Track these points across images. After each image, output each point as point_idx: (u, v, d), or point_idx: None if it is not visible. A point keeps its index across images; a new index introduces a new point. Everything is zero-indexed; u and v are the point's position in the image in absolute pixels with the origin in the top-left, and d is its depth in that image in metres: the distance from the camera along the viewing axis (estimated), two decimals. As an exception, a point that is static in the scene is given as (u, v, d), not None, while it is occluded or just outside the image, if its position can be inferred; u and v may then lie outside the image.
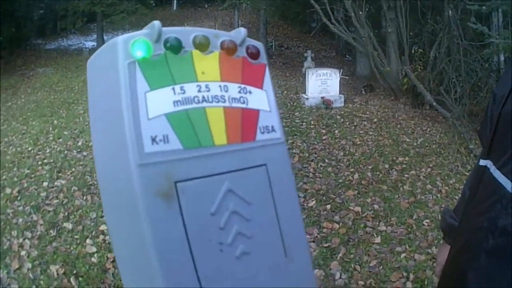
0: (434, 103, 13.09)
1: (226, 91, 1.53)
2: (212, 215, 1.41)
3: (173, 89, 1.42)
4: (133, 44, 1.41)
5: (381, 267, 5.17)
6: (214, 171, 1.44)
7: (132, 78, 1.38)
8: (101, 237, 5.75)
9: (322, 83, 14.18)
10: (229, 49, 1.57)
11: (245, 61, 1.62)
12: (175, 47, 1.46)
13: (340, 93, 14.45)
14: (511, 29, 10.92)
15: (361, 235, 5.90)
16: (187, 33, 1.52)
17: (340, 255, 5.41)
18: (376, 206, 6.78)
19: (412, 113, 13.35)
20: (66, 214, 6.50)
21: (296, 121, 12.00)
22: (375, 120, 12.27)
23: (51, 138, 10.97)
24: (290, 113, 12.94)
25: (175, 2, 40.42)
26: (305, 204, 6.84)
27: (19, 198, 7.30)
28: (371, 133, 10.98)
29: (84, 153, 9.51)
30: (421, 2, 15.86)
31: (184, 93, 1.43)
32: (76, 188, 7.41)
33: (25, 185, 7.89)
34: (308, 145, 9.92)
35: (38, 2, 32.48)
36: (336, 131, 11.05)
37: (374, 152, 9.52)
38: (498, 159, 1.39)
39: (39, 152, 9.86)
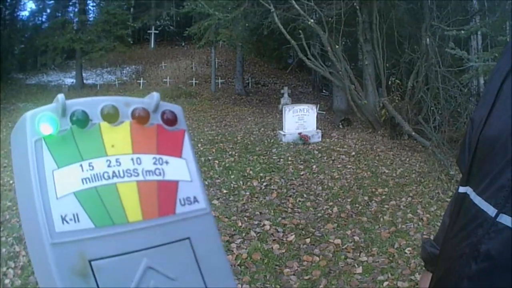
0: (413, 133, 13.11)
1: (139, 164, 1.37)
2: None
3: (81, 165, 1.28)
4: (38, 121, 1.29)
5: (363, 296, 5.04)
6: (130, 249, 1.29)
7: (39, 156, 1.25)
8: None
9: (299, 119, 14.18)
10: (140, 118, 1.42)
11: (160, 128, 1.46)
12: (81, 121, 1.32)
13: (317, 128, 14.45)
14: (491, 50, 11.00)
15: (342, 267, 5.78)
16: (94, 104, 1.36)
17: (321, 286, 5.30)
18: (356, 238, 6.67)
19: (391, 144, 13.35)
20: (48, 246, 6.36)
21: (274, 157, 11.94)
22: (353, 153, 12.23)
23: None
24: (268, 150, 12.89)
25: (152, 40, 40.66)
26: (284, 239, 6.73)
27: (1, 229, 7.27)
28: (349, 166, 10.94)
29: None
30: (398, 32, 15.99)
31: (92, 169, 1.29)
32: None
33: (7, 217, 7.86)
34: (286, 181, 9.84)
35: (20, 36, 32.77)
36: (314, 166, 10.97)
37: (353, 185, 9.44)
38: (478, 185, 1.34)
39: None
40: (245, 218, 7.55)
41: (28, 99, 26.39)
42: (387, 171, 10.50)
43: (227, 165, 11.05)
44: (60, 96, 1.29)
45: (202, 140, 14.38)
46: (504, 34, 11.12)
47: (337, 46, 15.74)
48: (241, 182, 9.63)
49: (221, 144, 13.62)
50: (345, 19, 15.92)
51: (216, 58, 30.15)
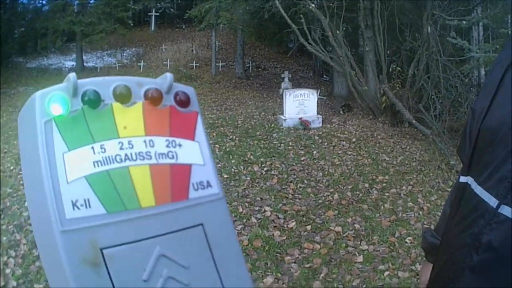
0: (413, 121, 13.08)
1: (152, 146, 1.36)
2: (145, 282, 1.27)
3: (93, 148, 1.27)
4: (48, 101, 1.27)
5: (364, 286, 5.08)
6: (142, 236, 1.26)
7: (49, 138, 1.24)
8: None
9: (300, 104, 14.14)
10: (154, 99, 1.41)
11: (173, 110, 1.44)
12: (93, 101, 1.28)
13: (317, 113, 14.41)
14: (492, 42, 10.97)
15: (342, 255, 5.79)
16: (107, 84, 1.35)
17: (323, 275, 5.30)
18: (357, 226, 6.68)
19: (391, 131, 13.33)
20: (50, 234, 6.36)
21: (274, 142, 11.92)
22: (354, 139, 12.21)
23: (33, 157, 10.77)
24: (268, 134, 12.85)
25: (153, 23, 40.42)
26: (285, 225, 6.73)
27: (2, 216, 7.22)
28: (349, 153, 10.92)
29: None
30: (399, 20, 15.93)
31: (104, 151, 1.27)
32: (60, 208, 7.26)
33: (8, 204, 7.80)
34: (286, 166, 9.82)
35: (20, 20, 32.60)
36: (315, 152, 10.96)
37: (354, 171, 9.43)
38: (479, 175, 1.36)
39: (21, 172, 9.61)
40: (246, 204, 7.56)
41: (29, 82, 26.32)
42: (387, 158, 10.50)
43: (227, 149, 11.04)
44: (72, 75, 1.29)
45: (202, 124, 14.33)
46: (505, 27, 11.09)
47: (338, 32, 15.71)
48: (241, 167, 9.63)
49: (221, 128, 13.58)
50: (346, 4, 15.90)
51: (217, 41, 29.99)
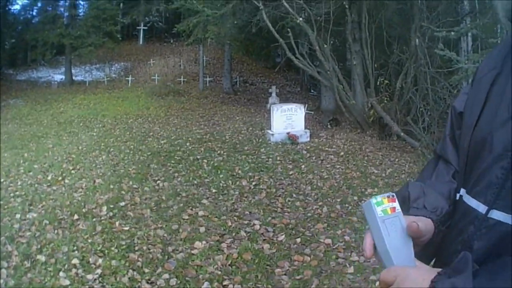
0: (402, 134, 13.12)
1: None
2: None
3: None
4: None
5: (355, 296, 5.02)
6: None
7: None
8: (74, 270, 5.61)
9: (287, 119, 14.17)
10: None
11: None
12: None
13: (305, 128, 14.44)
14: (481, 52, 11.01)
15: (333, 266, 5.76)
16: None
17: (313, 286, 5.27)
18: (347, 238, 6.64)
19: (380, 144, 13.36)
20: (39, 246, 6.36)
21: (262, 157, 11.92)
22: (342, 153, 12.22)
23: (22, 170, 10.88)
24: (256, 149, 12.87)
25: (141, 37, 40.63)
26: (275, 238, 6.69)
27: None
28: (338, 166, 10.92)
29: (54, 188, 9.37)
30: (387, 33, 16.01)
31: None
32: (47, 222, 7.26)
33: (-1, 215, 7.80)
34: (275, 180, 9.81)
35: (11, 31, 32.68)
36: (303, 166, 10.96)
37: (342, 185, 9.42)
38: (469, 184, 1.37)
39: (11, 184, 9.72)
40: (235, 218, 7.51)
41: (18, 95, 26.54)
42: (376, 171, 10.50)
43: (215, 164, 11.01)
44: None
45: (190, 139, 14.35)
46: (495, 37, 11.13)
47: (325, 46, 15.75)
48: (230, 182, 9.59)
49: (209, 143, 13.60)
50: (334, 18, 15.97)
51: (204, 56, 30.12)
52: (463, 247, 1.30)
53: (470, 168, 1.38)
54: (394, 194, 1.27)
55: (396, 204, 1.25)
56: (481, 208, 1.27)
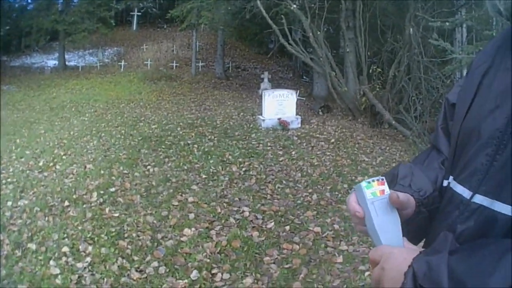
0: (393, 122, 13.13)
1: None
2: None
3: None
4: None
5: (345, 286, 5.07)
6: None
7: None
8: (64, 258, 5.64)
9: (279, 104, 14.14)
10: None
11: None
12: None
13: (296, 114, 14.42)
14: (476, 44, 11.01)
15: (322, 255, 5.77)
16: None
17: (302, 275, 5.29)
18: (336, 226, 6.65)
19: (371, 132, 13.37)
20: (30, 234, 6.39)
21: (253, 142, 11.91)
22: (333, 140, 12.22)
23: (14, 157, 10.88)
24: (247, 135, 12.86)
25: (135, 22, 40.43)
26: (264, 226, 6.71)
27: None
28: (328, 153, 10.92)
29: (45, 174, 9.39)
30: (381, 21, 15.99)
31: None
32: (38, 209, 7.28)
33: (-11, 205, 7.79)
34: (265, 166, 9.81)
35: (6, 18, 32.55)
36: (293, 152, 10.96)
37: (332, 172, 9.42)
38: (454, 171, 1.42)
39: (3, 171, 9.70)
40: (224, 204, 7.53)
41: (12, 81, 26.46)
42: (366, 159, 10.51)
43: (206, 149, 11.00)
44: None
45: (181, 124, 14.33)
46: (490, 29, 11.08)
47: (318, 33, 15.72)
48: (220, 167, 9.60)
49: (200, 128, 13.57)
50: (328, 5, 15.93)
51: (198, 42, 30.00)
52: (448, 231, 1.32)
53: (458, 156, 1.42)
54: (383, 177, 1.34)
55: (385, 187, 1.32)
56: (466, 193, 1.31)
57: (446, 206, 1.41)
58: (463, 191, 1.33)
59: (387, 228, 1.31)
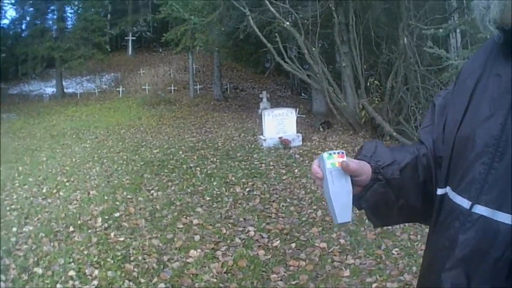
0: (394, 133, 13.12)
1: None
2: None
3: None
4: None
5: (352, 299, 5.02)
6: None
7: None
8: (70, 282, 5.63)
9: (279, 123, 14.16)
10: None
11: None
12: None
13: (297, 132, 14.43)
14: (471, 48, 11.04)
15: (329, 270, 5.75)
16: None
17: (310, 291, 5.24)
18: (342, 241, 6.63)
19: (372, 146, 13.32)
20: (36, 259, 6.37)
21: (255, 163, 11.91)
22: (335, 156, 12.16)
23: (17, 184, 10.88)
24: (249, 155, 12.86)
25: (130, 47, 40.55)
26: (270, 244, 6.69)
27: None
28: (331, 169, 10.88)
29: (49, 200, 9.38)
30: (375, 33, 16.03)
31: None
32: (43, 235, 7.27)
33: (-4, 230, 7.81)
34: (268, 186, 9.81)
35: (0, 46, 32.69)
36: (296, 170, 10.95)
37: (336, 188, 9.39)
38: (453, 181, 1.43)
39: (7, 198, 9.71)
40: (229, 225, 7.51)
41: (11, 109, 26.57)
42: (370, 172, 10.48)
43: (209, 172, 11.01)
44: None
45: (183, 147, 14.34)
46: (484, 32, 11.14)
47: (313, 49, 15.77)
48: (223, 189, 9.59)
49: (202, 151, 13.59)
50: (321, 20, 15.96)
51: (194, 64, 30.10)
52: (449, 242, 1.36)
53: (454, 166, 1.43)
54: (344, 151, 1.52)
55: (344, 160, 1.50)
56: (466, 203, 1.33)
57: (446, 217, 1.43)
58: (462, 201, 1.35)
59: (340, 196, 1.50)
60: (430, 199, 1.56)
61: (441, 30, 10.97)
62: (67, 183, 10.53)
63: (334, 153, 1.52)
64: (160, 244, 6.70)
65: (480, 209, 1.28)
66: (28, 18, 36.63)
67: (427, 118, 1.70)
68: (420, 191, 1.59)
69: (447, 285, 1.35)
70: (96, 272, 5.82)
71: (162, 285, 5.46)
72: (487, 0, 1.32)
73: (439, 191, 1.50)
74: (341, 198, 1.50)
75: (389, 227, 6.96)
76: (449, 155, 1.45)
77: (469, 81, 1.45)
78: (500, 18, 1.30)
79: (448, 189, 1.45)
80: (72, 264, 6.12)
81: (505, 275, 1.23)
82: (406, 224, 7.00)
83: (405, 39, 13.68)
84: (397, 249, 6.20)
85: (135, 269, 5.88)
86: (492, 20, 1.32)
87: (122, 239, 6.93)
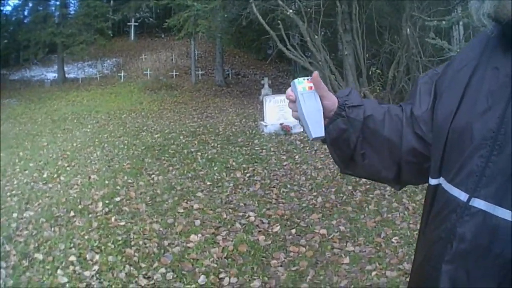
0: (395, 122, 13.09)
1: None
2: None
3: None
4: None
5: (352, 286, 5.07)
6: None
7: None
8: (71, 267, 5.64)
9: (280, 110, 14.16)
10: None
11: None
12: None
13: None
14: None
15: (329, 257, 5.76)
16: None
17: (309, 277, 5.28)
18: (342, 228, 6.64)
19: (373, 133, 13.34)
20: (37, 245, 6.40)
21: (256, 148, 11.93)
22: (336, 143, 12.17)
23: (17, 169, 10.93)
24: (250, 141, 12.88)
25: (132, 32, 40.53)
26: (270, 230, 6.70)
27: None
28: (332, 156, 10.89)
29: (50, 185, 9.42)
30: (378, 22, 15.97)
31: None
32: (44, 220, 7.29)
33: (-4, 216, 7.83)
34: (269, 171, 9.82)
35: (3, 31, 32.65)
36: (297, 157, 10.97)
37: (337, 175, 9.39)
38: (448, 173, 1.42)
39: (7, 184, 9.76)
40: (230, 210, 7.53)
41: (12, 95, 26.61)
42: (370, 159, 10.48)
43: (209, 157, 11.04)
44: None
45: (184, 132, 14.37)
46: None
47: (316, 37, 15.70)
48: (224, 174, 9.61)
49: (203, 136, 13.62)
50: (324, 9, 15.88)
51: (196, 50, 30.10)
52: (446, 234, 1.36)
53: (449, 157, 1.43)
54: (311, 78, 1.68)
55: (313, 85, 1.67)
56: (463, 196, 1.32)
57: (441, 209, 1.42)
58: (459, 194, 1.34)
59: (312, 114, 1.66)
60: (395, 162, 1.66)
61: (444, 22, 10.91)
62: (67, 168, 10.56)
63: (304, 79, 1.69)
64: (161, 229, 6.72)
65: (479, 203, 1.28)
66: (30, 4, 36.63)
67: (410, 95, 1.74)
68: (385, 147, 1.66)
69: (445, 280, 1.35)
70: (97, 257, 5.83)
71: (163, 269, 5.47)
72: None
73: (432, 181, 1.51)
74: (313, 116, 1.66)
75: (389, 215, 7.01)
76: (443, 147, 1.45)
77: (463, 72, 1.45)
78: (495, 12, 1.30)
79: (442, 180, 1.45)
80: (73, 249, 6.14)
81: (504, 272, 1.23)
82: (406, 213, 7.04)
83: (408, 29, 13.63)
84: (396, 237, 6.19)
85: (136, 254, 5.90)
86: (486, 14, 1.32)
87: (122, 223, 6.95)
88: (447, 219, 1.37)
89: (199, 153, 11.37)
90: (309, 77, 1.69)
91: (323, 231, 6.56)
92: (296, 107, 1.72)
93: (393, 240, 6.13)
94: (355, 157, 1.70)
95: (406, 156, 1.63)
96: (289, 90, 1.74)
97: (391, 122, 1.66)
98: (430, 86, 1.63)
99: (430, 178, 1.53)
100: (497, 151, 1.26)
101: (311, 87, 1.66)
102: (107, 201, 7.96)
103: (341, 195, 8.15)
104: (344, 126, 1.65)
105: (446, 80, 1.52)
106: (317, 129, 1.66)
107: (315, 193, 8.31)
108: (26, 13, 37.58)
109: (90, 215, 7.36)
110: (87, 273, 5.44)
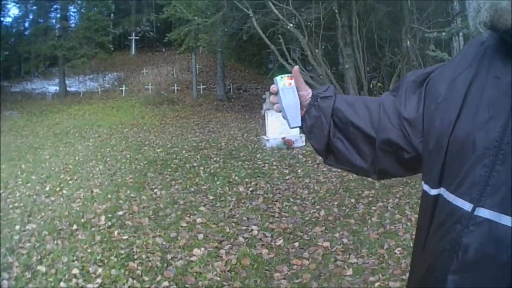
0: (397, 135, 13.09)
1: None
2: None
3: None
4: None
5: (355, 298, 5.03)
6: None
7: None
8: (74, 280, 5.63)
9: (282, 124, 14.12)
10: None
11: None
12: None
13: (300, 132, 14.40)
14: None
15: (332, 269, 5.75)
16: None
17: (313, 289, 5.25)
18: (345, 240, 6.63)
19: (375, 147, 13.33)
20: (39, 257, 6.38)
21: (258, 163, 11.94)
22: (338, 156, 12.17)
23: (20, 182, 10.89)
24: (252, 155, 12.90)
25: (133, 46, 40.60)
26: (273, 243, 6.69)
27: None
28: (334, 170, 10.83)
29: (52, 198, 9.39)
30: (378, 35, 16.01)
31: None
32: (47, 233, 7.28)
33: (-1, 227, 7.84)
34: (271, 185, 9.82)
35: (4, 43, 32.70)
36: (299, 170, 10.97)
37: (339, 188, 9.41)
38: (451, 184, 1.40)
39: (10, 196, 9.74)
40: (233, 224, 7.52)
41: (14, 107, 26.61)
42: (373, 173, 10.47)
43: (212, 171, 11.04)
44: None
45: (186, 146, 14.38)
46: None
47: (317, 50, 15.74)
48: (227, 188, 9.61)
49: (205, 151, 13.62)
50: (324, 22, 15.92)
51: (197, 64, 30.16)
52: (451, 245, 1.35)
53: (450, 168, 1.42)
54: (291, 74, 1.91)
55: (292, 81, 1.90)
56: (467, 206, 1.32)
57: (445, 221, 1.40)
58: (464, 204, 1.33)
59: (291, 107, 1.90)
60: (370, 151, 1.79)
61: (443, 34, 10.95)
62: (70, 181, 10.56)
63: (285, 76, 1.92)
64: (164, 243, 6.72)
65: (484, 212, 1.27)
66: (31, 17, 36.83)
67: (395, 88, 1.81)
68: (358, 136, 1.80)
69: None
70: (100, 270, 5.83)
71: (166, 283, 5.47)
72: (477, 0, 1.33)
73: (432, 192, 1.49)
74: (291, 109, 1.90)
75: (391, 227, 7.01)
76: (443, 157, 1.44)
77: (460, 81, 1.45)
78: (490, 21, 1.30)
79: (443, 191, 1.44)
80: (76, 262, 6.13)
81: (510, 280, 1.23)
82: (409, 224, 7.05)
83: (408, 42, 13.68)
84: (399, 248, 6.18)
85: (139, 267, 5.89)
86: (483, 23, 1.32)
87: (125, 237, 6.95)
88: (451, 229, 1.36)
89: (201, 168, 11.38)
90: (289, 74, 1.93)
91: (326, 243, 6.54)
92: (277, 100, 1.96)
93: (396, 251, 6.12)
94: (331, 144, 1.88)
95: (381, 145, 1.73)
96: (273, 86, 1.97)
97: (365, 112, 1.80)
98: (417, 86, 1.68)
99: (429, 189, 1.52)
100: (500, 160, 1.26)
101: (290, 84, 1.90)
102: (109, 215, 7.95)
103: (344, 208, 8.14)
104: (316, 113, 1.88)
105: (440, 87, 1.52)
106: (295, 120, 1.91)
107: (318, 207, 8.31)
108: (26, 25, 37.81)
109: (92, 229, 7.35)
110: (90, 286, 5.43)
